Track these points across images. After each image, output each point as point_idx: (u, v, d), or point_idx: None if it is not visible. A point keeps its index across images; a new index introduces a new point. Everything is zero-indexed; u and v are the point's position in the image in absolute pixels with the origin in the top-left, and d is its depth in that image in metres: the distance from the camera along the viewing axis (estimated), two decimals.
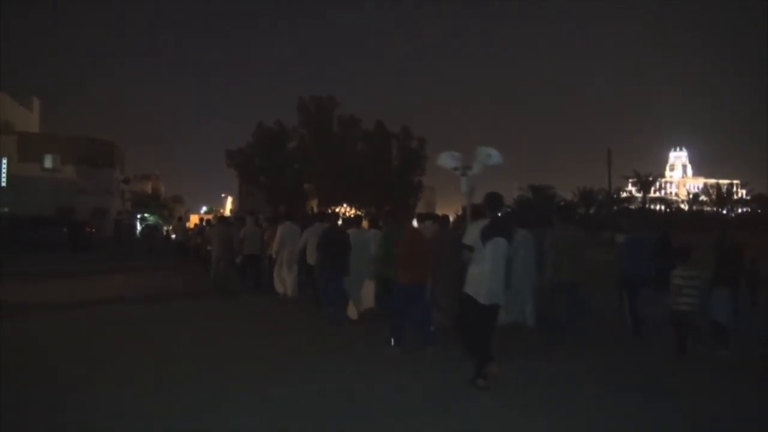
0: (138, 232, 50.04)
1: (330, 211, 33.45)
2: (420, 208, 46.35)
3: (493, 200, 5.49)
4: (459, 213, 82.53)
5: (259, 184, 40.85)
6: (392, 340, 6.58)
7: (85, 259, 21.47)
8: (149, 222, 58.43)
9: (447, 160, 8.33)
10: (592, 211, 64.83)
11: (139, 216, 59.42)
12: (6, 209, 35.49)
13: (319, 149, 37.75)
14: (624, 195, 79.52)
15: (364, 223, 10.63)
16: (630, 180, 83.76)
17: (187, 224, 30.85)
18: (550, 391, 5.29)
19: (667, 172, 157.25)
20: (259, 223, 12.72)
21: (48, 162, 40.44)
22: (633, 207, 72.77)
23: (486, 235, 5.20)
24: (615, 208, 61.92)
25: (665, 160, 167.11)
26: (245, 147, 40.29)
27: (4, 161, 39.08)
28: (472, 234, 5.35)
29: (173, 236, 26.26)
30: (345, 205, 39.72)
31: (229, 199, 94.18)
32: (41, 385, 5.49)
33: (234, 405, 4.80)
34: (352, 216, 14.83)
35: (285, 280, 10.65)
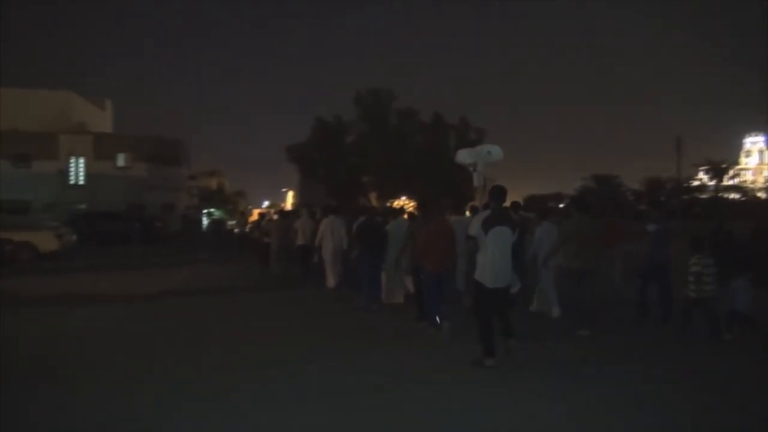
0: (204, 226, 51.84)
1: (388, 204, 33.48)
2: (479, 199, 45.75)
3: (497, 193, 6.00)
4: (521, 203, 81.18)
5: (318, 178, 41.40)
6: (428, 323, 7.17)
7: (154, 253, 22.44)
8: (214, 217, 60.47)
9: (464, 156, 8.86)
10: (662, 200, 62.22)
11: (205, 211, 61.53)
12: (84, 205, 37.53)
13: (376, 142, 37.83)
14: (695, 184, 75.79)
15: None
16: (701, 168, 79.81)
17: (248, 219, 31.80)
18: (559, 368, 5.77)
19: (743, 159, 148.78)
20: (314, 216, 13.16)
21: (121, 161, 42.36)
22: (704, 196, 69.28)
23: (488, 225, 5.66)
24: (685, 197, 59.21)
25: (740, 147, 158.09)
26: (304, 142, 40.85)
27: (82, 160, 41.27)
28: (475, 225, 5.82)
29: (236, 230, 27.09)
30: (403, 198, 39.74)
31: (290, 194, 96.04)
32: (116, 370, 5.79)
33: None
34: (395, 208, 15.14)
35: (330, 273, 11.11)
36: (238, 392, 5.00)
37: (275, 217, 17.40)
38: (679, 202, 53.00)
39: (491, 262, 5.70)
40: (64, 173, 39.99)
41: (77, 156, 41.15)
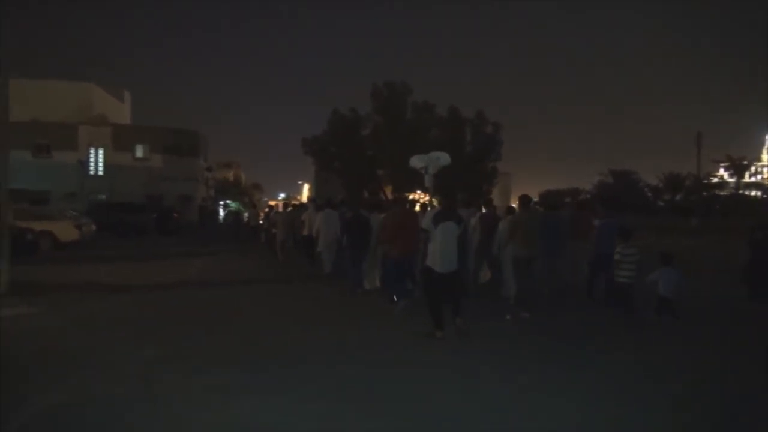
0: (221, 217, 52.26)
1: (399, 196, 33.38)
2: (495, 194, 45.62)
3: (447, 195, 8.19)
4: (535, 200, 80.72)
5: (334, 170, 41.45)
6: (394, 297, 8.33)
7: (171, 243, 22.69)
8: (231, 209, 60.97)
9: (415, 161, 10.44)
10: (678, 197, 61.47)
11: (221, 203, 62.00)
12: (102, 196, 38.03)
13: (392, 135, 37.77)
14: (715, 180, 74.72)
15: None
16: (722, 165, 78.61)
17: (261, 211, 32.06)
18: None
19: (765, 156, 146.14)
20: (319, 208, 13.52)
21: (139, 152, 42.83)
22: (724, 193, 68.25)
23: (437, 220, 6.76)
24: (704, 193, 58.39)
25: (762, 143, 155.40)
26: (321, 135, 40.91)
27: (101, 151, 41.80)
28: (427, 220, 6.95)
29: (250, 222, 27.42)
30: (418, 192, 39.72)
31: (306, 186, 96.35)
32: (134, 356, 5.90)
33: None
34: (374, 202, 16.22)
35: (326, 261, 11.97)
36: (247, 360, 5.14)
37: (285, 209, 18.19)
38: (699, 199, 52.25)
39: (440, 250, 6.72)
40: (84, 164, 40.53)
41: (96, 147, 41.68)
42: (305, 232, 13.21)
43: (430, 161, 10.20)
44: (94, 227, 21.32)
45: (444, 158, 10.17)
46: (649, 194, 64.66)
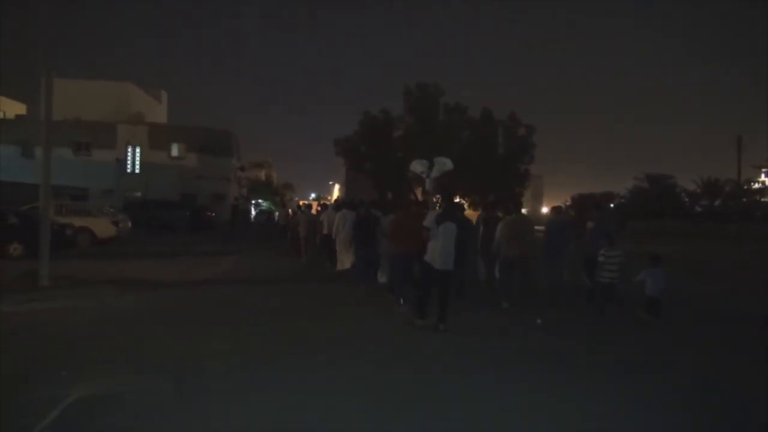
0: (252, 216, 52.90)
1: (407, 200, 33.26)
2: (526, 197, 45.07)
3: (448, 197, 8.53)
4: (567, 203, 79.34)
5: (365, 171, 41.50)
6: (401, 300, 8.76)
7: (204, 241, 23.04)
8: (263, 208, 61.67)
9: (416, 165, 11.11)
10: (717, 203, 59.74)
11: (253, 202, 62.76)
12: (139, 193, 38.87)
13: (424, 137, 37.64)
14: (756, 186, 72.44)
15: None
16: (763, 170, 76.16)
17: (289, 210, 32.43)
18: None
19: None
20: (339, 209, 14.25)
21: (175, 151, 43.64)
22: (766, 199, 66.07)
23: (440, 220, 7.28)
24: (744, 199, 56.64)
25: None
26: (352, 135, 41.03)
27: (138, 150, 42.73)
28: (430, 220, 7.39)
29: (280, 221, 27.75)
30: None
31: (336, 186, 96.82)
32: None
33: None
34: (389, 202, 16.88)
35: (343, 257, 12.63)
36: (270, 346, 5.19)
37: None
38: (738, 205, 50.74)
39: (441, 248, 7.23)
40: (122, 162, 41.49)
41: (134, 145, 42.62)
42: (325, 232, 13.81)
43: (436, 165, 10.83)
44: (130, 224, 21.80)
45: (449, 163, 10.76)
46: (687, 199, 63.02)
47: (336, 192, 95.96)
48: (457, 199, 36.69)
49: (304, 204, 23.07)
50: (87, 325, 7.26)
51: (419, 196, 38.47)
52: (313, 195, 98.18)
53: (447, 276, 7.35)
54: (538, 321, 7.88)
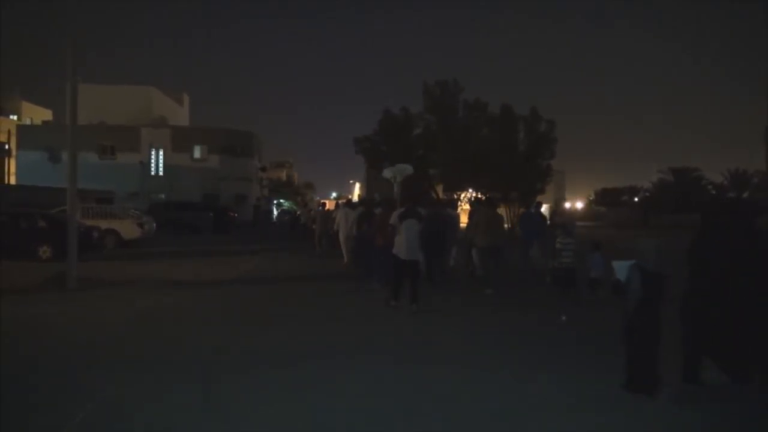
0: (274, 216, 53.29)
1: (388, 198, 33.30)
2: (549, 192, 44.64)
3: (410, 197, 9.90)
4: (591, 197, 78.35)
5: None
6: (379, 284, 9.82)
7: (227, 241, 23.30)
8: (284, 208, 62.10)
9: (387, 172, 13.51)
10: (745, 195, 58.53)
11: (275, 202, 63.21)
12: (162, 195, 39.43)
13: (444, 134, 37.51)
14: None
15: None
16: None
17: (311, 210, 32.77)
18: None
19: None
20: (353, 207, 15.45)
21: (197, 153, 44.16)
22: None
23: (402, 217, 8.54)
24: None
25: None
26: (372, 133, 41.07)
27: (161, 152, 43.35)
28: (394, 217, 8.71)
29: (302, 220, 27.96)
30: (470, 190, 39.31)
31: (357, 185, 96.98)
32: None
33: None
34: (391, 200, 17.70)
35: (345, 247, 14.10)
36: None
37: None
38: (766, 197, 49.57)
39: (405, 241, 8.39)
40: (145, 164, 42.13)
41: (157, 148, 43.24)
42: (336, 229, 15.16)
43: (397, 171, 12.85)
44: (154, 226, 22.14)
45: (409, 168, 13.55)
46: (714, 192, 61.83)
47: (357, 191, 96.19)
48: (484, 196, 36.53)
49: (320, 203, 23.64)
50: (114, 326, 7.39)
51: (440, 195, 38.40)
52: (333, 194, 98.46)
53: (413, 265, 8.51)
54: (563, 318, 7.84)
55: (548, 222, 12.51)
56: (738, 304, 4.56)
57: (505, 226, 12.53)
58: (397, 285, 8.59)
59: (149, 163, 42.81)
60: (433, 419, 4.29)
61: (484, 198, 11.17)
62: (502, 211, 16.51)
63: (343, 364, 5.66)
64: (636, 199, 67.30)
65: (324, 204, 20.98)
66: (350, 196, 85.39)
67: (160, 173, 43.00)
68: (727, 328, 4.59)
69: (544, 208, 14.90)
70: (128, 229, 19.61)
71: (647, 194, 65.86)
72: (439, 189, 40.31)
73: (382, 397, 4.74)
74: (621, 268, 4.85)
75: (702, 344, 4.76)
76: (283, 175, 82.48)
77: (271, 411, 4.41)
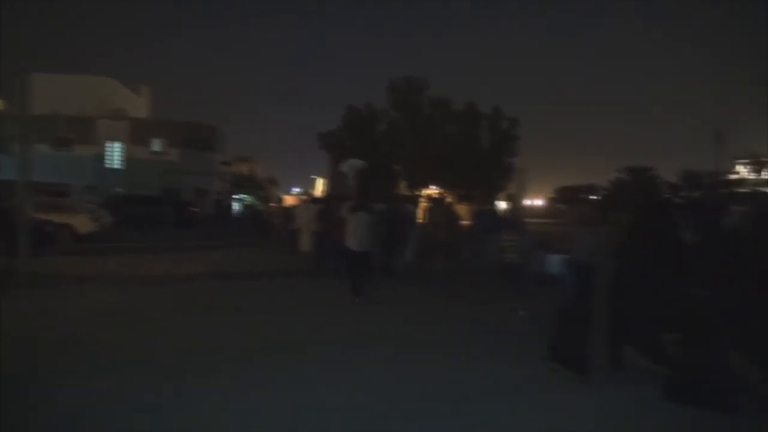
0: (237, 211, 52.60)
1: (341, 194, 33.56)
2: (512, 189, 45.22)
3: (362, 191, 10.32)
4: (551, 195, 79.83)
5: None
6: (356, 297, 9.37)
7: (188, 237, 22.87)
8: (246, 202, 61.29)
9: (343, 166, 14.26)
10: (697, 194, 60.57)
11: (237, 196, 62.32)
12: (120, 189, 38.46)
13: (408, 131, 37.69)
14: (735, 177, 73.55)
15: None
16: (740, 162, 77.34)
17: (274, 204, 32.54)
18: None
19: None
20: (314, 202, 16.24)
21: (156, 146, 43.22)
22: (744, 190, 67.15)
23: (353, 211, 9.17)
24: (723, 191, 57.51)
25: None
26: (336, 129, 40.96)
27: (119, 145, 42.26)
28: (345, 210, 9.44)
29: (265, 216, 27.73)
30: (433, 187, 39.62)
31: (320, 181, 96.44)
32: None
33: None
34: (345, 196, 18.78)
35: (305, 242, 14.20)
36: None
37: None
38: (717, 196, 51.42)
39: (355, 234, 8.89)
40: (102, 157, 41.00)
41: (114, 141, 42.13)
42: (297, 224, 15.48)
43: (350, 166, 13.74)
44: (110, 220, 21.56)
45: (361, 163, 14.25)
46: (668, 191, 63.81)
47: (320, 186, 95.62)
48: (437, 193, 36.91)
49: (281, 198, 23.69)
50: (67, 325, 7.16)
51: (403, 190, 38.57)
52: (297, 189, 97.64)
53: (363, 256, 8.99)
54: (521, 313, 8.00)
55: (501, 219, 13.14)
56: (655, 294, 5.01)
57: (462, 223, 13.02)
58: (351, 276, 9.03)
59: (106, 156, 41.70)
60: (380, 409, 4.33)
61: (439, 195, 11.91)
62: (462, 208, 17.29)
63: (302, 358, 5.76)
64: (594, 197, 68.93)
65: (285, 199, 21.09)
66: (313, 192, 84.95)
67: (118, 166, 41.94)
68: (645, 317, 5.09)
69: (505, 206, 15.40)
70: (83, 223, 19.03)
71: (605, 192, 67.50)
72: (403, 185, 40.48)
73: (331, 387, 4.90)
74: (554, 261, 5.43)
75: (624, 331, 5.23)
76: (246, 169, 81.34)
77: (235, 408, 4.36)
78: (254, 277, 11.81)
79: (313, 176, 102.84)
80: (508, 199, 15.87)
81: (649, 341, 5.14)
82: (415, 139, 37.08)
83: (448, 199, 12.73)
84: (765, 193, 60.42)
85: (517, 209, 13.02)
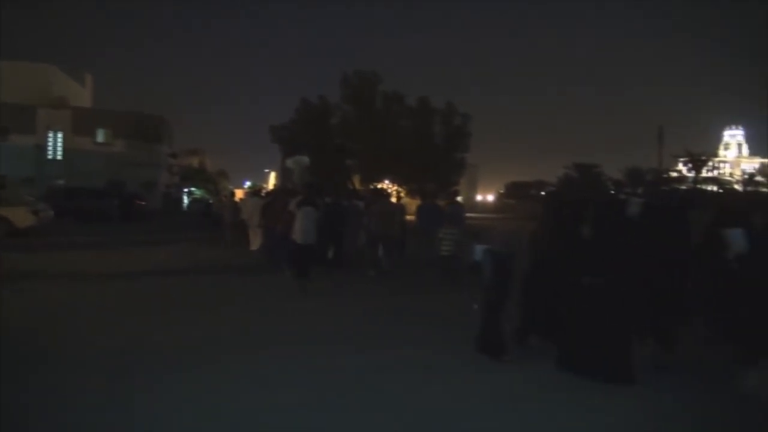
0: (185, 205, 51.39)
1: (279, 189, 33.43)
2: (463, 185, 45.96)
3: (312, 186, 10.75)
4: (501, 191, 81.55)
5: None
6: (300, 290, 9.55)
7: (134, 231, 22.20)
8: (195, 196, 59.98)
9: (289, 162, 14.66)
10: (639, 190, 63.01)
11: (186, 190, 60.92)
12: (61, 181, 36.96)
13: (361, 125, 37.65)
14: (675, 175, 76.80)
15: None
16: (681, 159, 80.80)
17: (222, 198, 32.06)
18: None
19: (721, 151, 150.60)
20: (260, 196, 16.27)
21: (100, 136, 41.76)
22: (683, 187, 70.26)
23: (300, 205, 9.29)
24: (664, 188, 59.99)
25: (720, 139, 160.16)
26: (289, 122, 40.52)
27: (60, 135, 40.56)
28: (293, 204, 9.46)
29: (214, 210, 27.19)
30: (386, 182, 39.72)
31: (272, 174, 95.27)
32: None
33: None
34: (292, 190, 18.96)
35: (254, 240, 14.90)
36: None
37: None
38: (659, 192, 53.58)
39: (301, 227, 9.11)
40: (42, 148, 39.26)
41: (55, 130, 40.42)
42: (243, 218, 15.77)
43: (295, 162, 14.31)
44: (51, 213, 20.70)
45: (306, 160, 15.19)
46: (612, 188, 66.11)
47: (272, 179, 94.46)
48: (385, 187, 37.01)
49: (229, 191, 23.26)
50: (5, 323, 6.84)
51: (356, 184, 38.52)
52: (248, 183, 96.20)
53: (309, 249, 9.25)
54: (475, 306, 8.11)
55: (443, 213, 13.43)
56: (561, 281, 5.49)
57: (407, 217, 13.03)
58: (297, 268, 9.30)
59: (46, 146, 39.95)
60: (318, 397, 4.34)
61: (381, 189, 12.13)
62: (408, 202, 18.02)
63: (250, 357, 5.62)
64: (543, 193, 70.74)
65: (233, 193, 20.73)
66: (264, 185, 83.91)
67: (59, 157, 40.27)
68: (551, 302, 5.61)
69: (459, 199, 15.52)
70: (21, 217, 18.18)
71: (553, 188, 69.37)
72: (357, 179, 40.42)
73: (288, 383, 4.86)
74: (479, 251, 5.72)
75: (533, 314, 5.85)
76: (196, 162, 79.56)
77: (184, 409, 4.27)
78: (201, 272, 11.54)
79: (266, 170, 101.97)
80: (454, 195, 15.63)
81: (550, 323, 5.64)
82: (368, 133, 37.07)
83: (392, 193, 12.98)
84: (680, 189, 63.48)
85: (457, 203, 13.40)
